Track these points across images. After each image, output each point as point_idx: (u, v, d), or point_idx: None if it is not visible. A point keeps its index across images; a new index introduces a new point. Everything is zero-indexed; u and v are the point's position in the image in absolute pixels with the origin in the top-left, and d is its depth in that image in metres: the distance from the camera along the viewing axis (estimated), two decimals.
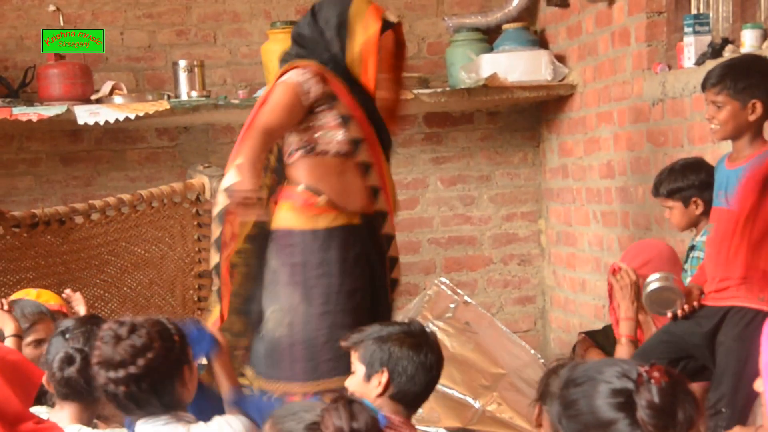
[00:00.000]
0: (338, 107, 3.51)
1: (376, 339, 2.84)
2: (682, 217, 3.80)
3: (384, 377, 2.77)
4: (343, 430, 2.05)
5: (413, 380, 2.77)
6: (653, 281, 3.49)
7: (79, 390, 2.78)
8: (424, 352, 2.79)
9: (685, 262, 3.86)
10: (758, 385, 2.14)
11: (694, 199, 3.72)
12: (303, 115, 3.49)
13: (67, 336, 2.87)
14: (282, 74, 3.53)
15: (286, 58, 3.62)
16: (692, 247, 3.82)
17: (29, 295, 3.53)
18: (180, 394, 2.56)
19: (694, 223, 3.78)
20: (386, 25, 3.60)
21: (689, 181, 3.73)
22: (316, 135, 3.51)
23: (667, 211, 3.87)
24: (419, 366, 2.77)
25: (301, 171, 3.54)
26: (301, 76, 3.47)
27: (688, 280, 3.73)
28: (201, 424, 2.59)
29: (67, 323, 2.95)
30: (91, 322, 2.92)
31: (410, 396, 2.79)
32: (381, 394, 2.77)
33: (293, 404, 2.45)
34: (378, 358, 2.79)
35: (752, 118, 3.28)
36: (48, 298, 3.53)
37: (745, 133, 3.31)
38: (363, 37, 3.53)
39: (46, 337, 3.08)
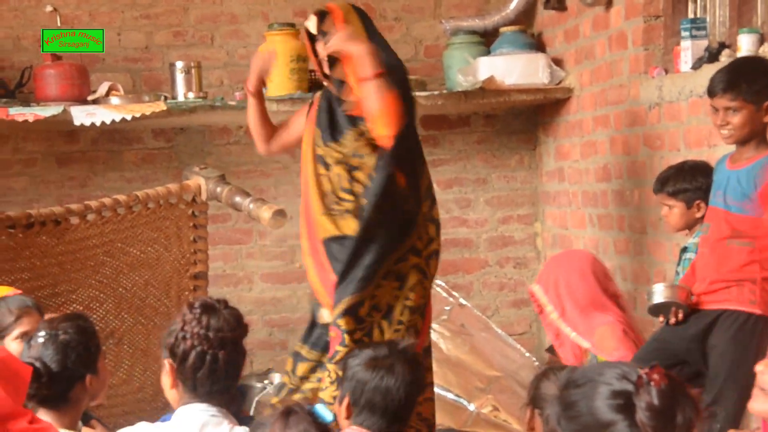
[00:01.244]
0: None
1: (345, 362, 2.87)
2: (681, 218, 3.80)
3: (345, 402, 2.79)
4: None
5: (372, 406, 2.75)
6: (656, 293, 3.49)
7: (48, 396, 2.77)
8: (381, 376, 2.75)
9: (678, 264, 3.86)
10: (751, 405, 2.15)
11: (697, 202, 3.72)
12: None
13: (32, 342, 2.85)
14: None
15: None
16: (684, 249, 3.82)
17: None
18: (233, 395, 2.63)
19: (690, 225, 3.78)
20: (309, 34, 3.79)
21: (697, 183, 3.71)
22: None
23: (665, 209, 3.85)
24: (376, 391, 2.75)
25: None
26: None
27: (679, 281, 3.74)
28: (245, 428, 2.59)
29: (40, 327, 2.91)
30: (59, 326, 2.90)
31: (374, 422, 2.76)
32: (347, 417, 2.79)
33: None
34: (342, 382, 2.83)
35: (767, 119, 3.28)
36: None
37: (755, 137, 3.32)
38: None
39: (32, 330, 3.06)
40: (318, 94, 3.91)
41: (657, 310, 3.50)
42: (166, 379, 2.62)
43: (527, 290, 4.07)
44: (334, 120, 3.74)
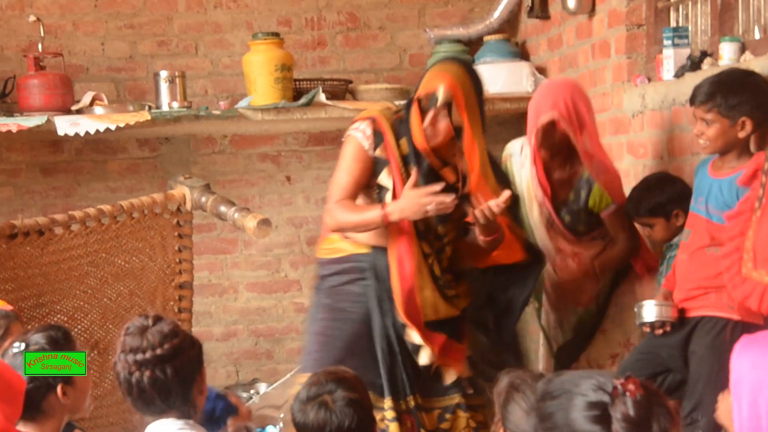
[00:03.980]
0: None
1: None
2: (666, 232, 3.80)
3: None
4: None
5: None
6: (647, 312, 3.51)
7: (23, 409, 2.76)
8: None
9: (661, 264, 3.87)
10: (722, 397, 2.17)
11: (675, 211, 3.73)
12: None
13: (10, 353, 2.86)
14: None
15: None
16: (669, 247, 3.82)
17: None
18: (196, 397, 2.62)
19: (676, 234, 3.79)
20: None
21: (668, 195, 3.74)
22: None
23: (646, 230, 3.87)
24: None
25: None
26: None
27: (662, 280, 3.76)
28: None
29: (18, 339, 2.93)
30: (30, 338, 2.91)
31: None
32: None
33: None
34: None
35: (742, 135, 3.29)
36: None
37: (734, 149, 3.33)
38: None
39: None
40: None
41: (645, 324, 3.53)
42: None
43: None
44: None
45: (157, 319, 2.61)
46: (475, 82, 3.65)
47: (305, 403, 2.76)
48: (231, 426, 2.92)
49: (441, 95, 3.55)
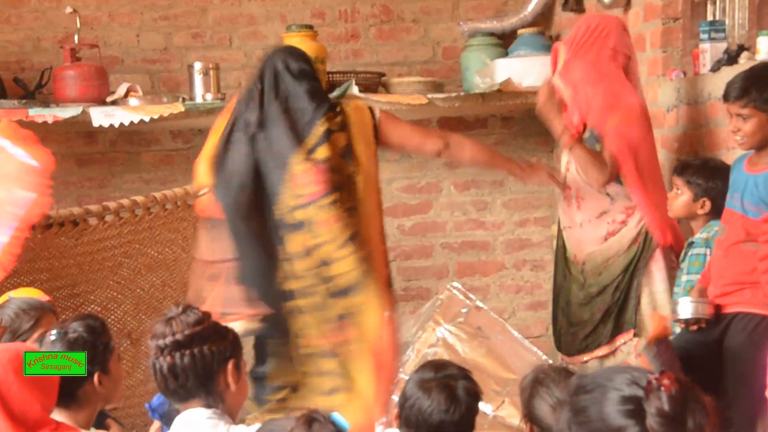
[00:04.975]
0: None
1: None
2: (684, 207, 3.80)
3: (395, 412, 2.86)
4: None
5: (408, 422, 2.79)
6: (684, 309, 3.48)
7: (59, 396, 2.77)
8: (418, 397, 2.79)
9: (682, 260, 3.85)
10: None
11: (704, 199, 3.71)
12: None
13: (43, 342, 2.91)
14: None
15: None
16: (690, 244, 3.80)
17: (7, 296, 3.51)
18: (223, 389, 2.64)
19: (691, 217, 3.78)
20: None
21: (713, 184, 3.70)
22: None
23: (674, 190, 3.85)
24: (411, 409, 2.78)
25: None
26: None
27: (683, 278, 3.74)
28: (242, 426, 2.64)
29: (53, 329, 2.97)
30: (69, 326, 2.94)
31: None
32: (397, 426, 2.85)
33: (273, 422, 2.47)
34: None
35: None
36: (28, 294, 3.53)
37: None
38: None
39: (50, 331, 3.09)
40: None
41: (680, 320, 3.51)
42: None
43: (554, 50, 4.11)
44: None
45: (187, 308, 2.65)
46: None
47: (428, 381, 2.77)
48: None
49: None
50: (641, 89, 4.15)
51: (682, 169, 3.82)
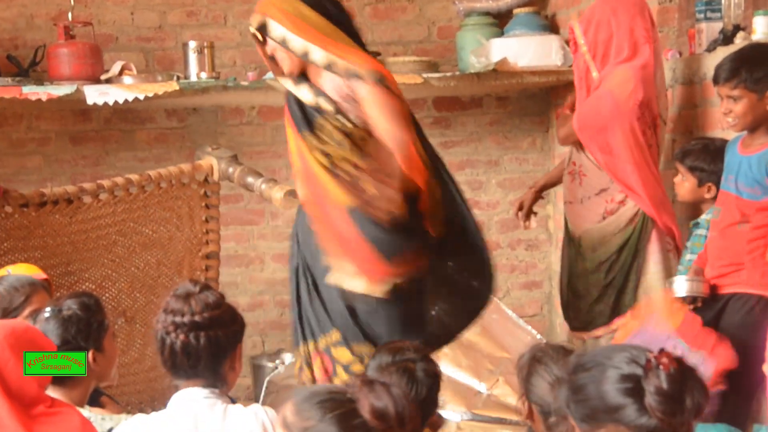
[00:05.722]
0: None
1: None
2: (690, 193, 3.81)
3: None
4: (385, 410, 2.00)
5: None
6: (679, 287, 3.50)
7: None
8: None
9: (688, 239, 3.87)
10: (766, 368, 2.16)
11: (709, 184, 3.71)
12: None
13: (37, 318, 2.90)
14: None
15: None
16: (696, 224, 3.81)
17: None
18: (227, 372, 2.64)
19: (698, 202, 3.80)
20: None
21: (715, 167, 3.68)
22: None
23: (679, 177, 3.85)
24: None
25: None
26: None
27: (688, 257, 3.75)
28: (239, 405, 2.64)
29: (47, 305, 2.97)
30: (64, 303, 2.94)
31: None
32: None
33: (312, 388, 2.45)
34: None
35: None
36: (26, 270, 3.53)
37: (763, 124, 3.31)
38: None
39: (42, 308, 3.09)
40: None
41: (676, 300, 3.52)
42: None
43: (571, 28, 4.12)
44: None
45: (205, 287, 2.64)
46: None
47: (386, 367, 2.77)
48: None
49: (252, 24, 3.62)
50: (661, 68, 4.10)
51: (683, 155, 3.82)
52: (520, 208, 4.61)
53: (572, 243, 4.24)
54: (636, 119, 3.87)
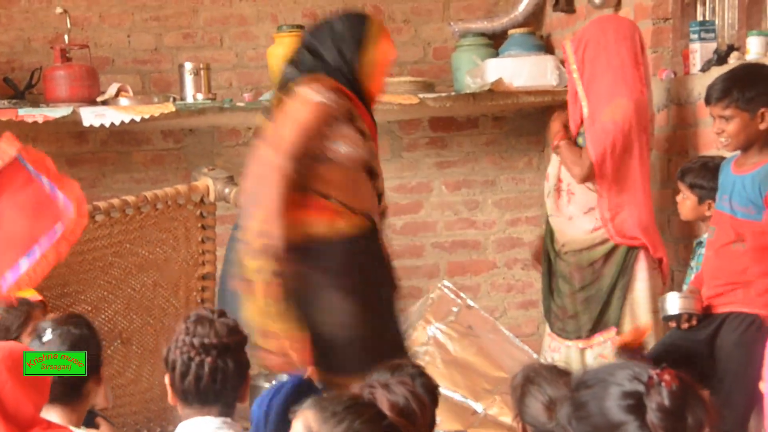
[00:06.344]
0: (358, 122, 3.52)
1: None
2: (691, 211, 3.84)
3: None
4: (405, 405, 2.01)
5: None
6: (671, 304, 3.49)
7: (61, 392, 2.78)
8: None
9: (692, 258, 3.88)
10: (763, 386, 2.16)
11: (710, 201, 3.73)
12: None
13: (44, 339, 2.89)
14: (292, 86, 3.49)
15: (296, 66, 3.60)
16: (699, 243, 3.83)
17: None
18: (241, 398, 2.60)
19: (700, 219, 3.82)
20: None
21: (715, 184, 3.68)
22: (329, 144, 3.49)
23: (680, 195, 3.87)
24: None
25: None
26: (325, 95, 3.43)
27: (693, 275, 3.76)
28: None
29: (45, 325, 2.96)
30: (68, 322, 2.94)
31: None
32: None
33: (328, 397, 2.43)
34: None
35: (762, 126, 3.29)
36: (25, 293, 3.53)
37: (756, 143, 3.32)
38: (381, 56, 3.58)
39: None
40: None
41: (670, 318, 3.52)
42: (169, 394, 2.61)
43: (564, 47, 4.16)
44: None
45: (222, 314, 2.60)
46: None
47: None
48: None
49: None
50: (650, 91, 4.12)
51: (683, 174, 3.84)
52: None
53: (555, 246, 4.22)
54: (643, 145, 3.95)
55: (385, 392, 2.00)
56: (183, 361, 2.52)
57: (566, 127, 4.21)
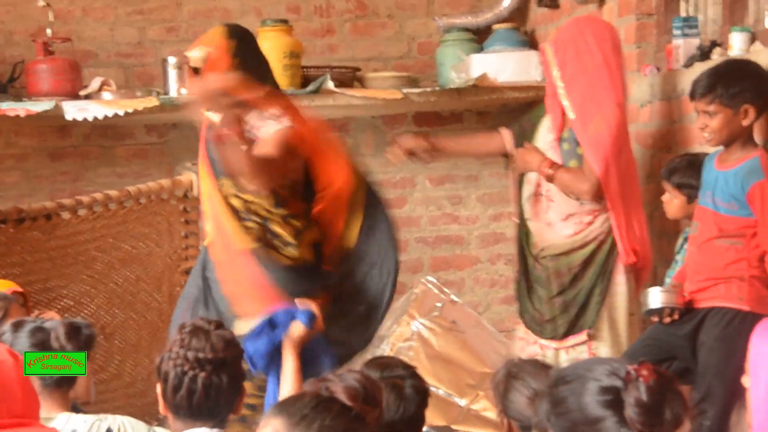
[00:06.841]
0: None
1: None
2: (680, 210, 3.83)
3: None
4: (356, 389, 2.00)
5: None
6: (653, 299, 3.49)
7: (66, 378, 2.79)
8: None
9: (677, 252, 3.88)
10: (745, 380, 2.17)
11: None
12: None
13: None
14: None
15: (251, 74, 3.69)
16: (687, 239, 3.82)
17: None
18: (235, 411, 2.55)
19: (689, 217, 3.80)
20: None
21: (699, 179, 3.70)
22: None
23: (666, 195, 3.86)
24: None
25: None
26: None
27: (677, 268, 3.76)
28: None
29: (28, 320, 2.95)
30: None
31: None
32: None
33: (286, 400, 2.42)
34: None
35: (745, 123, 3.30)
36: (5, 286, 3.51)
37: (739, 139, 3.33)
38: None
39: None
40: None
41: (652, 312, 3.52)
42: (160, 404, 2.55)
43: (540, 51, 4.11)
44: None
45: (219, 325, 2.53)
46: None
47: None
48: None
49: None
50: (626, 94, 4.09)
51: (669, 173, 3.83)
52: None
53: (532, 249, 4.15)
54: (629, 148, 3.96)
55: (339, 382, 1.98)
56: (176, 374, 2.45)
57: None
